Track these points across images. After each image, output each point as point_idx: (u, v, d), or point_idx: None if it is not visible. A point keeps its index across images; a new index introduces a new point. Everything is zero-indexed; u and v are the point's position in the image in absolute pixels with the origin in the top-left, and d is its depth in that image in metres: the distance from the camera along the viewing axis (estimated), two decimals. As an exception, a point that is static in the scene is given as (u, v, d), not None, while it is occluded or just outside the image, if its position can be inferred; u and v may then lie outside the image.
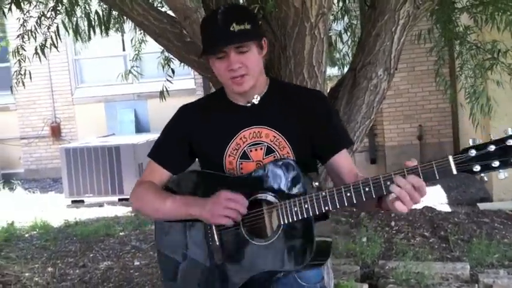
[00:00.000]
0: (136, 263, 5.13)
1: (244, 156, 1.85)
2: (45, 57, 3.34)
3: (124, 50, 10.59)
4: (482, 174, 1.52)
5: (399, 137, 9.27)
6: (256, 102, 1.88)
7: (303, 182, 1.73)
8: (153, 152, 1.99)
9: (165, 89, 3.65)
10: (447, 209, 6.45)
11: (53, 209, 7.80)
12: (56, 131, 10.99)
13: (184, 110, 1.97)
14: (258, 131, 1.86)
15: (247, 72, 1.79)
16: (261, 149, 1.85)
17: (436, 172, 1.53)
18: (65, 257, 5.45)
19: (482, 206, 6.33)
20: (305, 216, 1.68)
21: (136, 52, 4.46)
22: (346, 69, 3.88)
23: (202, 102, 2.03)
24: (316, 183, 1.84)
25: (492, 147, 1.48)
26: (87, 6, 3.78)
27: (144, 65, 10.08)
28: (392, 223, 5.65)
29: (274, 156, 1.84)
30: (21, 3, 3.00)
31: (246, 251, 1.78)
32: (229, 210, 1.71)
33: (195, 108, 1.98)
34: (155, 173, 1.96)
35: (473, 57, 3.82)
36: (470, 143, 1.51)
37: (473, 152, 1.49)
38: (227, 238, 1.80)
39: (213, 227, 1.81)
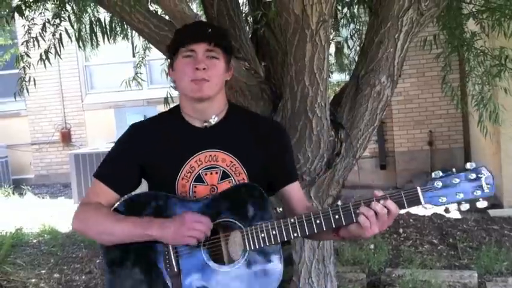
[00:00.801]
0: (142, 269, 5.12)
1: (199, 179, 1.80)
2: (50, 63, 3.34)
3: (134, 56, 10.61)
4: (447, 205, 1.60)
5: (409, 142, 9.21)
6: (213, 123, 1.83)
7: (268, 208, 1.71)
8: (100, 172, 1.86)
9: (169, 96, 3.64)
10: (457, 215, 6.39)
11: (62, 215, 7.81)
12: (66, 137, 11.05)
13: (135, 129, 1.88)
14: (215, 155, 1.81)
15: (210, 78, 1.76)
16: (216, 173, 1.80)
17: (404, 201, 1.61)
18: (71, 263, 5.46)
19: (492, 212, 6.27)
20: (272, 242, 1.66)
21: (140, 59, 4.45)
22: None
23: (155, 121, 1.93)
24: (280, 209, 1.85)
25: (457, 180, 1.57)
26: (92, 14, 3.80)
27: (153, 71, 10.16)
28: (401, 230, 5.61)
29: (230, 181, 1.80)
30: (24, 11, 3.01)
31: (210, 278, 1.69)
32: (195, 231, 1.65)
33: (148, 127, 1.90)
34: (101, 194, 1.83)
35: (480, 64, 3.78)
36: (433, 175, 1.59)
37: (439, 184, 1.58)
38: (187, 265, 1.71)
39: (171, 253, 1.71)
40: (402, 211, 5.04)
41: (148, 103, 10.63)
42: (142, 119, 1.94)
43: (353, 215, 1.62)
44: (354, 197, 8.21)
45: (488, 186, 1.56)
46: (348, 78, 4.99)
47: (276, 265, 1.68)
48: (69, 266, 5.37)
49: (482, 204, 1.57)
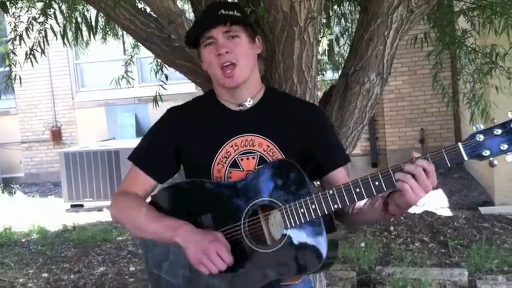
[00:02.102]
0: (132, 268, 5.10)
1: (234, 165, 1.76)
2: (36, 62, 3.29)
3: (125, 54, 10.55)
4: (491, 159, 1.51)
5: (401, 140, 9.22)
6: (248, 106, 1.79)
7: (306, 183, 1.64)
8: (137, 157, 1.84)
9: (158, 95, 3.61)
10: (448, 213, 6.40)
11: (52, 214, 7.78)
12: (56, 135, 10.98)
13: (172, 113, 1.86)
14: (251, 139, 1.76)
15: (236, 61, 1.72)
16: (254, 158, 1.75)
17: (446, 159, 1.52)
18: (60, 262, 5.43)
19: (483, 210, 6.28)
20: (313, 217, 1.60)
21: (130, 57, 4.41)
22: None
23: (191, 104, 1.90)
24: (318, 183, 1.78)
25: (498, 131, 1.48)
26: (82, 11, 3.76)
27: (144, 68, 10.11)
28: (391, 228, 5.60)
29: None
30: (9, 8, 2.96)
31: (253, 261, 1.67)
32: (212, 265, 1.62)
33: (184, 111, 1.87)
34: (138, 180, 1.81)
35: (471, 62, 3.77)
36: (474, 129, 1.51)
37: (480, 137, 1.49)
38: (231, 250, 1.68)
39: None
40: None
41: (139, 101, 10.58)
42: (178, 104, 1.91)
43: (394, 179, 1.53)
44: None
45: None
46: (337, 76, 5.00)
47: (319, 243, 1.61)
48: (57, 265, 5.33)
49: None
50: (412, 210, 6.42)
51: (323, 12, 3.63)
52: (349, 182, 1.59)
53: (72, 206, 8.15)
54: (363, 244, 5.16)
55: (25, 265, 5.38)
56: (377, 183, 1.55)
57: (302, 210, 1.60)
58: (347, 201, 1.58)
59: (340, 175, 1.81)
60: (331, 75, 5.84)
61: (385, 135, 9.28)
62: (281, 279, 1.71)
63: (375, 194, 1.56)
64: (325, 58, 5.02)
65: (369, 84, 2.76)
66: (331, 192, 1.59)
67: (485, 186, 7.17)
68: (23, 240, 6.35)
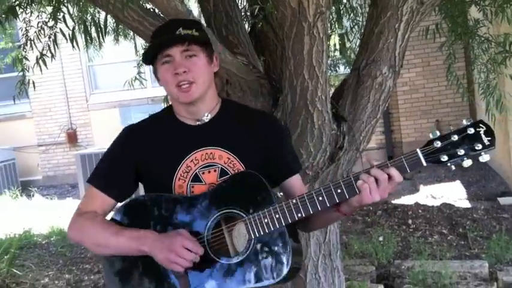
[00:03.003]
0: (150, 268, 5.12)
1: (196, 179, 1.75)
2: (46, 67, 3.31)
3: (137, 54, 10.61)
4: (449, 164, 1.56)
5: (416, 132, 9.15)
6: (206, 120, 1.79)
7: (269, 193, 1.66)
8: (94, 178, 1.82)
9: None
10: (467, 204, 6.34)
11: (70, 215, 7.81)
12: (72, 138, 11.07)
13: (128, 132, 1.85)
14: (211, 153, 1.76)
15: (194, 79, 1.71)
16: (215, 171, 1.75)
17: (406, 165, 1.57)
18: (80, 263, 5.47)
19: (502, 200, 6.21)
20: (277, 226, 1.61)
21: (141, 57, 4.42)
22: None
23: (148, 122, 1.89)
24: (281, 193, 1.80)
25: (455, 137, 1.53)
26: (93, 14, 3.77)
27: (157, 68, 10.13)
28: (410, 221, 5.56)
29: None
30: (18, 13, 2.98)
31: (216, 273, 1.66)
32: (182, 260, 1.61)
33: (141, 129, 1.85)
34: (96, 200, 1.79)
35: (485, 52, 3.72)
36: (431, 136, 1.56)
37: (438, 143, 1.54)
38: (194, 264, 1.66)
39: None
40: (411, 201, 5.01)
41: (152, 101, 10.61)
42: (134, 122, 1.91)
43: (356, 187, 1.57)
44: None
45: (488, 139, 1.52)
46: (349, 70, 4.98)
47: (284, 252, 1.62)
48: (78, 266, 5.37)
49: (484, 158, 1.54)
50: (430, 202, 6.37)
51: (332, 7, 3.62)
52: (311, 191, 1.61)
53: (90, 207, 8.20)
54: (381, 238, 5.13)
55: (45, 267, 5.42)
56: (339, 190, 1.59)
57: (266, 220, 1.61)
58: (310, 210, 1.61)
59: (296, 181, 1.86)
60: (343, 70, 5.82)
61: (400, 127, 9.22)
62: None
63: (337, 201, 1.60)
64: (337, 53, 5.00)
65: (381, 78, 2.74)
66: (294, 201, 1.61)
67: (504, 176, 7.09)
68: (43, 242, 6.40)
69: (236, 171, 1.75)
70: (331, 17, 3.88)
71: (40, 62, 3.39)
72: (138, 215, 1.76)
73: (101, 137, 10.74)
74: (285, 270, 1.62)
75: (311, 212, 1.60)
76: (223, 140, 1.78)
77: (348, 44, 4.70)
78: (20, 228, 6.67)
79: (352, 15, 4.29)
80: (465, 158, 1.54)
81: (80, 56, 10.52)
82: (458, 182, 7.51)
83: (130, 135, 1.84)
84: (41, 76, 4.23)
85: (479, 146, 1.52)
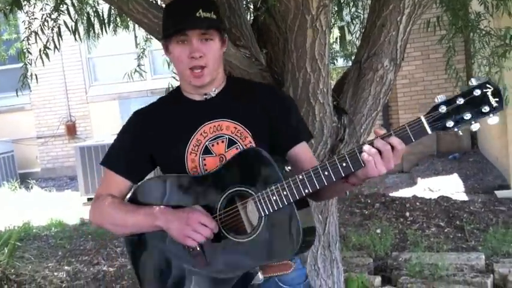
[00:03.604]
0: (150, 260, 5.15)
1: (207, 151, 1.80)
2: (48, 59, 3.33)
3: (137, 47, 10.60)
4: (456, 129, 1.49)
5: (415, 126, 9.17)
6: (213, 95, 1.84)
7: (276, 169, 1.66)
8: (108, 161, 1.89)
9: (171, 86, 3.63)
10: (464, 197, 6.38)
11: (69, 207, 7.86)
12: (71, 130, 11.08)
13: (138, 115, 1.91)
14: (218, 125, 1.81)
15: (207, 64, 1.76)
16: (223, 142, 1.80)
17: (410, 134, 1.51)
18: (79, 255, 5.49)
19: (499, 193, 6.26)
20: (285, 203, 1.61)
21: (142, 50, 4.44)
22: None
23: (156, 104, 1.95)
24: (289, 167, 1.80)
25: (461, 100, 1.45)
26: (93, 5, 3.78)
27: (156, 61, 10.13)
28: (407, 214, 5.60)
29: (237, 148, 1.78)
30: (23, 4, 2.99)
31: (230, 251, 1.70)
32: (197, 235, 1.65)
33: (150, 111, 1.91)
34: (111, 183, 1.86)
35: (485, 45, 3.74)
36: (437, 100, 1.48)
37: (443, 108, 1.47)
38: (207, 241, 1.70)
39: None
40: (409, 194, 5.02)
41: (152, 93, 10.61)
42: (143, 106, 1.95)
43: (360, 159, 1.55)
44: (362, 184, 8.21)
45: (496, 100, 1.42)
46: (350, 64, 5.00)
47: (294, 227, 1.63)
48: (77, 258, 5.39)
49: (493, 120, 1.44)
50: (428, 195, 6.42)
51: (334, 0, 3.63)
52: (317, 166, 1.61)
53: (89, 199, 8.20)
54: (378, 231, 5.17)
55: (45, 259, 5.44)
56: (344, 164, 1.56)
57: (274, 197, 1.62)
58: (317, 185, 1.59)
59: (303, 151, 1.86)
60: (341, 63, 5.83)
61: (399, 120, 9.23)
62: (274, 269, 1.75)
63: (343, 175, 1.58)
64: (336, 47, 5.02)
65: (383, 71, 2.76)
66: (300, 177, 1.61)
67: (501, 169, 7.13)
68: (42, 234, 6.42)
69: (243, 139, 1.79)
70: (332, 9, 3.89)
71: (43, 55, 3.39)
72: (152, 195, 1.81)
73: (100, 129, 10.75)
74: (296, 246, 1.63)
75: (318, 188, 1.60)
76: (229, 111, 1.82)
77: (348, 37, 4.71)
78: (19, 221, 6.70)
79: (352, 7, 4.31)
80: (473, 122, 1.45)
81: (79, 48, 10.51)
82: (455, 175, 7.56)
83: (138, 119, 1.89)
84: (41, 68, 4.24)
85: (486, 109, 1.43)
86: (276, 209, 1.62)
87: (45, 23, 3.51)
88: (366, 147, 1.54)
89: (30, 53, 3.73)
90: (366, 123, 2.86)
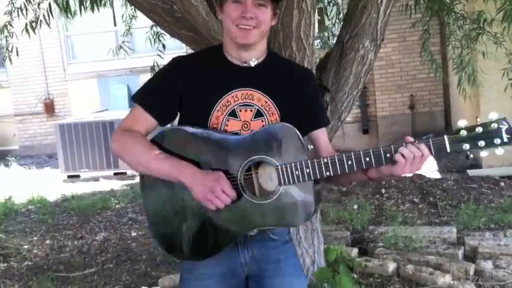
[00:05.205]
0: (133, 233, 5.26)
1: (233, 114, 1.88)
2: (34, 33, 3.38)
3: (115, 25, 10.54)
4: (468, 153, 1.70)
5: (391, 107, 9.37)
6: (252, 65, 1.90)
7: (303, 148, 1.80)
8: (141, 98, 1.92)
9: (156, 64, 3.72)
10: (438, 176, 6.59)
11: (50, 184, 7.91)
12: (49, 108, 11.03)
13: (178, 61, 1.94)
14: (251, 94, 1.89)
15: (257, 26, 1.82)
16: (251, 110, 1.89)
17: (432, 148, 1.71)
18: (63, 229, 5.58)
19: (471, 172, 6.47)
20: (306, 179, 1.77)
21: (127, 27, 4.50)
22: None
23: (197, 55, 2.03)
24: (311, 146, 1.95)
25: (480, 129, 1.67)
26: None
27: (135, 40, 10.10)
28: (383, 190, 5.80)
29: (263, 120, 1.89)
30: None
31: (244, 208, 1.81)
32: (218, 200, 1.75)
33: (190, 60, 1.97)
34: (140, 120, 1.90)
35: (460, 28, 3.89)
36: (461, 125, 1.69)
37: (464, 133, 1.68)
38: None
39: None
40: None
41: (131, 72, 10.62)
42: (183, 54, 2.00)
43: (383, 158, 1.72)
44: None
45: (508, 136, 1.66)
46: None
47: (308, 199, 1.80)
48: (60, 232, 5.48)
49: (500, 151, 1.67)
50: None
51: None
52: (342, 154, 1.77)
53: (69, 176, 8.28)
54: (355, 206, 5.35)
55: (29, 233, 5.52)
56: (368, 159, 1.74)
57: (297, 172, 1.77)
58: (338, 170, 1.76)
59: (323, 135, 2.01)
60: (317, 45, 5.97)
61: (376, 102, 9.42)
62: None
63: (364, 168, 1.76)
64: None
65: (363, 51, 2.91)
66: (325, 160, 1.76)
67: (474, 149, 7.34)
68: (24, 209, 6.48)
69: (270, 114, 1.89)
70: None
71: (29, 29, 3.43)
72: (177, 144, 1.86)
73: (79, 107, 10.74)
74: (306, 218, 1.84)
75: (338, 173, 1.76)
76: (265, 85, 1.90)
77: (326, 22, 4.85)
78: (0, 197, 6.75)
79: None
80: (483, 150, 1.68)
81: (57, 26, 10.42)
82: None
83: (176, 65, 1.93)
84: (18, 46, 4.27)
85: (498, 141, 1.66)
86: (296, 182, 1.78)
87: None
88: (404, 150, 1.71)
89: (12, 26, 3.76)
90: (347, 100, 3.01)
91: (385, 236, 4.33)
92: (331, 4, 4.91)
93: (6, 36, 3.88)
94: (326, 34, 5.37)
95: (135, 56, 10.53)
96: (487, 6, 3.73)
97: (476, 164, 6.82)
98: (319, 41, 5.61)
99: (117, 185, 7.50)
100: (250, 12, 1.80)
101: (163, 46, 3.88)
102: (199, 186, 1.77)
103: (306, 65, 2.72)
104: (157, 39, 4.10)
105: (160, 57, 3.92)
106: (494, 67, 4.46)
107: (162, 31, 3.37)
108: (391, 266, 3.73)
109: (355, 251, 4.07)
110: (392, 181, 6.00)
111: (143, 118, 1.89)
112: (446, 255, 3.93)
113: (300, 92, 1.95)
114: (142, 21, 4.17)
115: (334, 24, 5.32)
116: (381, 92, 9.35)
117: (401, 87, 9.25)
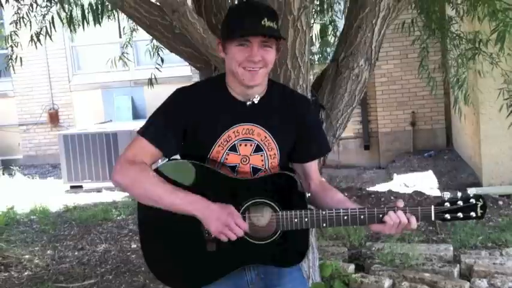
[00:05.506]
0: (133, 245, 5.29)
1: (233, 149, 1.95)
2: (41, 44, 3.45)
3: (121, 37, 10.67)
4: (449, 222, 2.06)
5: (392, 123, 9.42)
6: (256, 102, 1.96)
7: (306, 200, 1.93)
8: (148, 131, 1.93)
9: (153, 77, 3.78)
10: (437, 193, 6.59)
11: (52, 195, 7.95)
12: (54, 118, 11.12)
13: (183, 94, 1.97)
14: (251, 128, 1.95)
15: (264, 66, 1.87)
16: (251, 145, 1.96)
17: (419, 215, 1.93)
18: (64, 240, 5.61)
19: (471, 190, 6.41)
20: (303, 227, 1.90)
21: (128, 40, 4.58)
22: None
23: (201, 87, 2.04)
24: (309, 194, 2.03)
25: (460, 203, 1.92)
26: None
27: (140, 52, 10.23)
28: (382, 206, 5.79)
29: (262, 155, 1.97)
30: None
31: (242, 247, 1.90)
32: (231, 233, 1.82)
33: (195, 93, 1.98)
34: (146, 152, 1.91)
35: (456, 47, 3.95)
36: (445, 197, 1.94)
37: (447, 205, 1.93)
38: None
39: None
40: (385, 188, 5.17)
41: (135, 84, 10.71)
42: (186, 85, 2.03)
43: (375, 218, 1.89)
44: (338, 176, 8.43)
45: (481, 212, 1.92)
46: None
47: (303, 247, 1.98)
48: (61, 243, 5.52)
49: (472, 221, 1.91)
50: (403, 190, 6.65)
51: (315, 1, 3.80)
52: (340, 209, 1.89)
53: (72, 187, 8.33)
54: (354, 222, 5.35)
55: (30, 243, 5.56)
56: (362, 217, 1.89)
57: (295, 220, 1.89)
58: (334, 223, 1.91)
59: (314, 165, 2.13)
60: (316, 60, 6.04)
61: (377, 118, 9.46)
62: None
63: (358, 224, 1.94)
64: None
65: (358, 69, 2.96)
66: (323, 213, 1.89)
67: (474, 168, 7.37)
68: (26, 219, 6.53)
69: (269, 149, 1.98)
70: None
71: (35, 40, 3.50)
72: (183, 177, 1.91)
73: (83, 118, 10.83)
74: (298, 261, 2.02)
75: (334, 225, 1.92)
76: (265, 120, 1.97)
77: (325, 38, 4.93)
78: (2, 206, 6.79)
79: (329, 11, 4.50)
80: (461, 220, 1.94)
81: (63, 37, 10.55)
82: (430, 172, 7.80)
83: (184, 95, 1.97)
84: (24, 55, 4.33)
85: (473, 214, 1.92)
86: (294, 229, 1.90)
87: (33, 9, 3.60)
88: (392, 214, 1.88)
89: (18, 36, 3.83)
90: (342, 118, 3.05)
91: (382, 252, 4.35)
92: (332, 24, 4.99)
93: (11, 46, 3.95)
94: (328, 50, 5.43)
95: (139, 68, 10.66)
96: (483, 27, 3.79)
97: (477, 182, 6.83)
98: (319, 55, 5.69)
99: (119, 196, 7.53)
100: (258, 56, 1.85)
101: (162, 60, 3.96)
102: (214, 220, 1.83)
103: (301, 82, 2.77)
104: (155, 53, 4.17)
105: (159, 70, 4.00)
106: (493, 85, 4.52)
107: (163, 46, 3.43)
108: (387, 283, 3.75)
109: (351, 267, 4.10)
110: (391, 197, 6.02)
111: (150, 151, 1.91)
112: (442, 273, 3.95)
113: (300, 123, 2.03)
114: (147, 34, 4.26)
115: (335, 42, 5.39)
116: (382, 109, 9.40)
117: (402, 104, 9.30)
